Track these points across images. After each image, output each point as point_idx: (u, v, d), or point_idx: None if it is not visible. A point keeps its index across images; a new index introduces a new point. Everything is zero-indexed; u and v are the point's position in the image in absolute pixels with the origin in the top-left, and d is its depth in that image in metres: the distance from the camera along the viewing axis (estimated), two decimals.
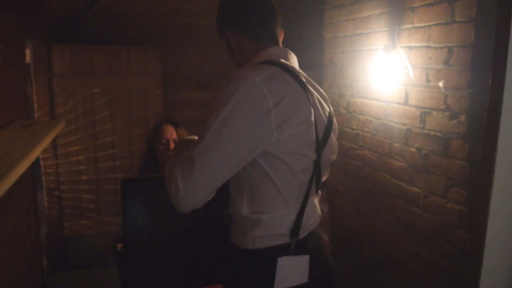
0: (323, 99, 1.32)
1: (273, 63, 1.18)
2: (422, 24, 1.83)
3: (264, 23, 1.28)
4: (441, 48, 1.74)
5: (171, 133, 2.21)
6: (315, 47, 2.94)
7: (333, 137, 1.35)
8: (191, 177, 1.05)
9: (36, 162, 3.05)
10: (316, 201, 1.34)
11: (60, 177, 3.23)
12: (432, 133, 1.82)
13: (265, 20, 1.28)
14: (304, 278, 1.25)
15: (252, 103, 1.07)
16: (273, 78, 1.12)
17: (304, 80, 1.22)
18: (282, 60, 1.23)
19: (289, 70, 1.18)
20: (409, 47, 1.91)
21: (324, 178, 1.36)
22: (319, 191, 1.36)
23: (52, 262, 3.27)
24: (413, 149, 1.93)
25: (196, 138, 1.35)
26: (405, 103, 1.96)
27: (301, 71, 1.27)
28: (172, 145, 2.20)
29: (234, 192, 1.25)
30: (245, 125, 1.06)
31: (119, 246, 2.07)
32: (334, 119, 1.35)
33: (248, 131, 1.07)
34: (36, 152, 1.37)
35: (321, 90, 1.34)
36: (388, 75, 2.06)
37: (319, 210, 1.35)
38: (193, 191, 1.06)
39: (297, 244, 1.24)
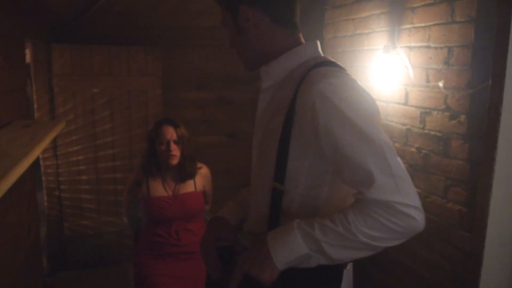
0: None
1: (335, 64, 1.05)
2: (422, 24, 1.83)
3: (290, 3, 1.06)
4: (441, 48, 1.73)
5: (171, 134, 2.24)
6: None
7: None
8: (408, 191, 0.89)
9: (36, 162, 3.04)
10: None
11: (60, 177, 3.22)
12: (432, 133, 1.82)
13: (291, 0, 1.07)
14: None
15: (370, 100, 1.01)
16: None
17: None
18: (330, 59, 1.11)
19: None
20: (409, 47, 1.91)
21: None
22: None
23: (52, 262, 3.27)
24: (413, 149, 1.93)
25: (225, 210, 1.22)
26: (405, 103, 1.96)
27: None
28: (172, 146, 2.20)
29: (304, 208, 1.07)
30: (377, 123, 0.98)
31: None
32: None
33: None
34: (36, 152, 1.37)
35: None
36: (388, 75, 2.06)
37: None
38: (417, 200, 0.90)
39: None
